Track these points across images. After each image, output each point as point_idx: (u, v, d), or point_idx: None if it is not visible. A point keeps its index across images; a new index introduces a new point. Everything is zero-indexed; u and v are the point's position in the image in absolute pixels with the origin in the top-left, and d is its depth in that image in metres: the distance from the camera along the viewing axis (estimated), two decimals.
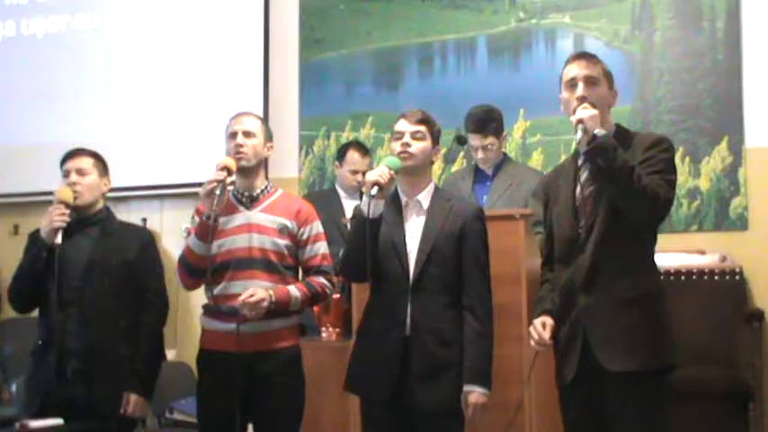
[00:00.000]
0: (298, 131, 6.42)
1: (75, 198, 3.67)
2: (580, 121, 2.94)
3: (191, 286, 3.62)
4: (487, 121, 4.45)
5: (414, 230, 3.28)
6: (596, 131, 2.92)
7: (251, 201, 3.56)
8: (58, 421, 3.39)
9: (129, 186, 6.30)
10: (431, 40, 6.22)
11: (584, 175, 3.10)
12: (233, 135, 3.56)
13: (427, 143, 3.31)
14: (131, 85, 6.64)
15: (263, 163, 3.64)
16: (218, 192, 3.32)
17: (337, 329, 4.40)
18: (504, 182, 4.50)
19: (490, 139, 4.46)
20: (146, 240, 3.89)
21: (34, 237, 3.70)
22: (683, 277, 5.22)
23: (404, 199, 3.34)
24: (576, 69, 3.09)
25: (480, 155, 4.51)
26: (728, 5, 5.54)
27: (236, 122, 3.60)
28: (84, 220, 3.73)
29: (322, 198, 5.08)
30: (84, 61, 6.75)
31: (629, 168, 2.89)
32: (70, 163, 3.77)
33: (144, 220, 6.40)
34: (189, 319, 6.02)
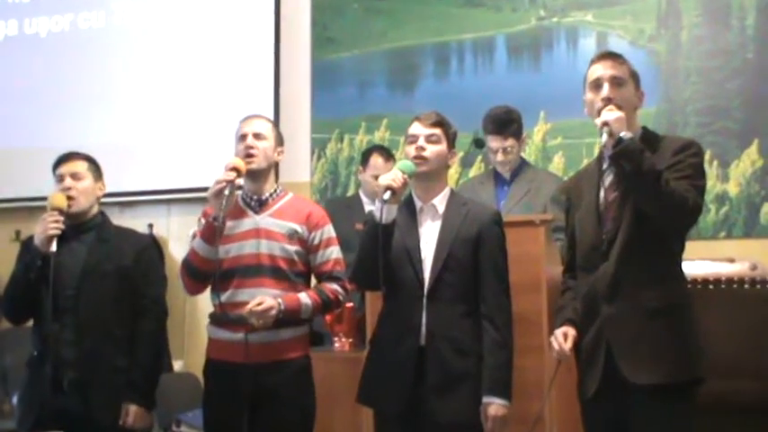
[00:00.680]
0: (309, 134, 6.40)
1: (69, 206, 3.62)
2: (605, 124, 2.89)
3: (194, 291, 3.56)
4: (508, 122, 4.40)
5: (428, 236, 3.25)
6: (622, 134, 2.87)
7: (259, 205, 3.51)
8: None
9: (135, 191, 6.42)
10: (447, 40, 6.17)
11: (608, 180, 3.06)
12: (243, 137, 3.52)
13: (442, 147, 3.28)
14: (137, 87, 6.64)
15: (274, 167, 3.59)
16: (226, 192, 3.28)
17: (350, 339, 4.37)
18: (521, 187, 4.46)
19: (510, 141, 4.42)
20: (143, 245, 3.84)
21: (27, 244, 3.66)
22: (711, 286, 5.09)
23: (418, 204, 3.32)
24: (602, 69, 3.04)
25: (500, 157, 4.46)
26: (759, 1, 5.48)
27: (247, 124, 3.56)
28: (78, 225, 3.68)
29: (345, 204, 5.12)
30: (88, 62, 6.75)
31: (657, 173, 2.83)
32: (64, 167, 3.72)
33: (150, 225, 6.44)
34: (196, 328, 6.03)
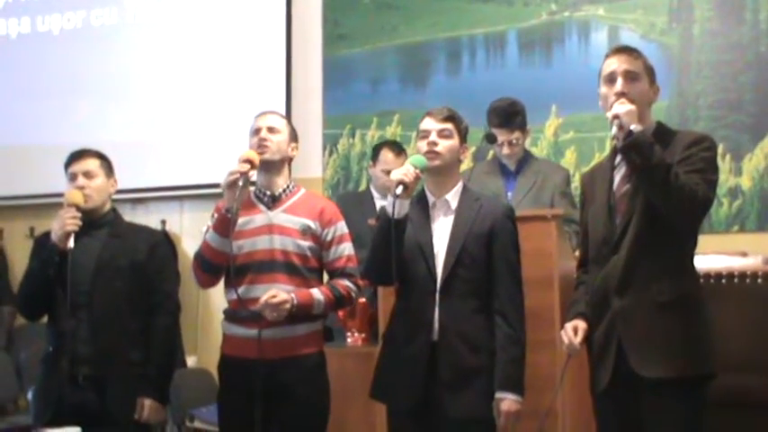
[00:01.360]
0: (321, 130, 6.38)
1: (85, 202, 3.63)
2: (616, 117, 2.89)
3: (206, 284, 3.56)
4: (513, 115, 4.41)
5: (441, 231, 3.24)
6: (632, 127, 2.86)
7: (272, 200, 3.49)
8: (75, 430, 3.30)
9: (147, 187, 6.40)
10: (459, 35, 6.15)
11: (620, 174, 3.05)
12: (257, 131, 3.51)
13: (454, 141, 3.27)
14: (149, 84, 6.63)
15: (287, 163, 3.58)
16: (240, 184, 3.27)
17: (363, 335, 4.35)
18: (528, 179, 4.45)
19: (516, 134, 4.42)
20: (156, 241, 3.85)
21: (42, 241, 3.67)
22: (723, 280, 5.06)
23: (431, 199, 3.31)
24: (616, 63, 3.02)
25: (506, 150, 4.46)
26: None
27: (261, 119, 3.56)
28: (91, 222, 3.67)
29: (355, 199, 5.10)
30: (100, 59, 6.74)
31: (666, 166, 2.82)
32: (76, 165, 3.72)
33: (163, 221, 6.45)
34: (210, 324, 6.03)
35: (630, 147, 2.85)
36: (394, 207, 3.08)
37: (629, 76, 2.99)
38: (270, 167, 3.48)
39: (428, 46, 6.20)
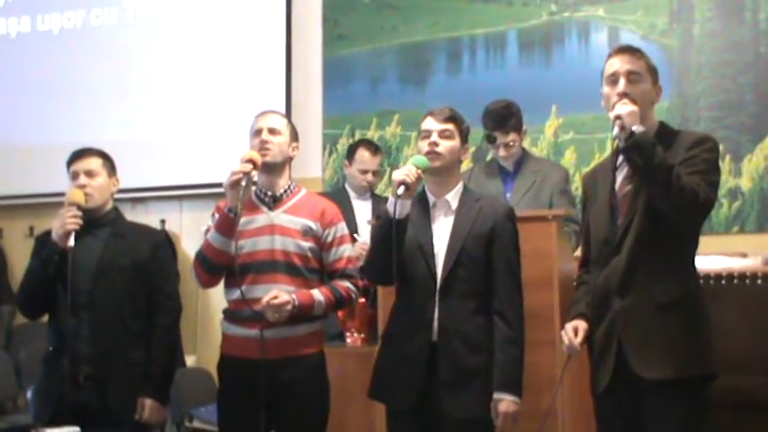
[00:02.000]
0: (321, 130, 6.38)
1: (86, 202, 3.61)
2: (618, 117, 2.89)
3: (207, 284, 3.56)
4: (507, 117, 4.39)
5: (441, 231, 3.24)
6: (634, 128, 2.86)
7: (274, 201, 3.50)
8: (74, 429, 3.30)
9: (147, 187, 6.38)
10: (459, 35, 6.14)
11: (622, 174, 3.05)
12: (258, 132, 3.51)
13: (455, 142, 3.27)
14: (149, 83, 6.62)
15: (288, 163, 3.58)
16: (242, 183, 3.27)
17: (362, 334, 4.35)
18: (527, 179, 4.44)
19: (512, 136, 4.41)
20: (158, 241, 3.84)
21: (43, 240, 3.65)
22: (723, 281, 5.05)
23: (431, 199, 3.31)
24: (618, 64, 3.02)
25: (502, 152, 4.45)
26: None
27: (262, 119, 3.55)
28: (93, 221, 3.65)
29: (331, 198, 5.01)
30: (100, 58, 6.73)
31: (668, 167, 2.82)
32: (78, 164, 3.70)
33: (163, 221, 6.43)
34: (209, 324, 6.03)
35: (632, 147, 2.86)
36: (395, 207, 3.08)
37: (632, 77, 2.98)
38: (271, 169, 3.48)
39: (428, 46, 6.20)
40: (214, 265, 3.42)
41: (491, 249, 3.19)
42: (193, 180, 6.39)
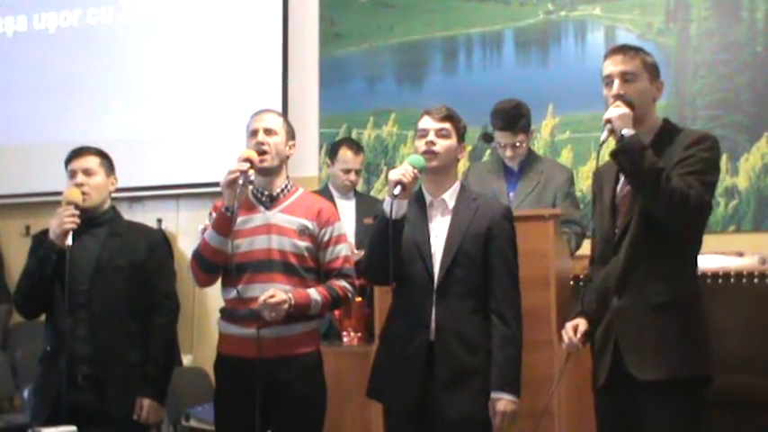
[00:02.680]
0: (317, 129, 6.38)
1: (84, 201, 3.60)
2: (608, 121, 2.88)
3: (204, 282, 3.54)
4: (517, 118, 4.34)
5: (439, 231, 3.23)
6: (624, 131, 2.85)
7: (270, 200, 3.49)
8: (71, 428, 3.28)
9: (144, 186, 6.37)
10: (456, 34, 6.14)
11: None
12: (254, 133, 3.49)
13: (452, 141, 3.25)
14: (146, 82, 6.62)
15: (285, 162, 3.56)
16: (240, 182, 3.26)
17: (359, 334, 4.34)
18: (531, 180, 4.42)
19: (520, 137, 4.37)
20: (155, 240, 3.84)
21: (40, 239, 3.64)
22: (719, 280, 5.06)
23: (428, 198, 3.30)
24: (611, 66, 3.01)
25: (509, 153, 4.42)
26: None
27: (258, 120, 3.53)
28: (90, 220, 3.65)
29: None
30: (97, 57, 6.73)
31: (657, 170, 2.82)
32: (76, 163, 3.69)
33: (159, 220, 6.44)
34: (206, 323, 6.03)
35: (620, 152, 2.85)
36: (392, 207, 3.08)
37: (626, 78, 2.97)
38: (268, 170, 3.47)
39: (425, 45, 6.20)
40: (211, 264, 3.41)
41: (488, 249, 3.18)
42: (190, 179, 6.39)
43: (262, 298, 3.27)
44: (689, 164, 2.88)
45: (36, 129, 6.72)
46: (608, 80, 3.00)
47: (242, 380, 3.35)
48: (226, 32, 6.46)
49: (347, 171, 5.05)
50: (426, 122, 3.26)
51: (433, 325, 3.14)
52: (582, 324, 3.06)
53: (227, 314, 3.47)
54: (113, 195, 3.81)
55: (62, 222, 3.47)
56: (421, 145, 3.23)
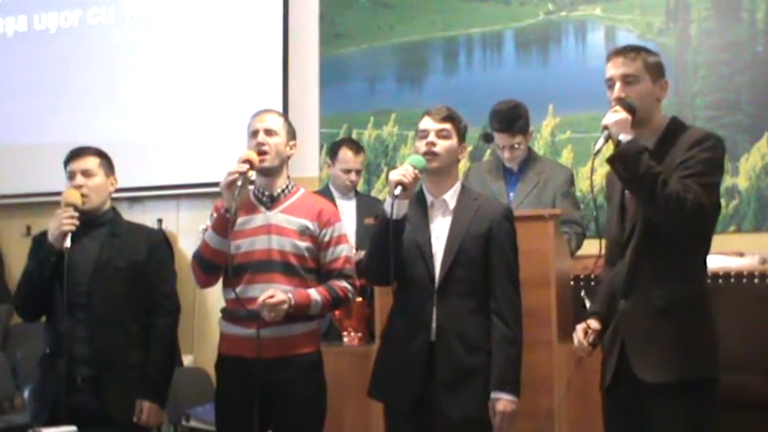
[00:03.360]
0: (318, 129, 6.37)
1: (83, 203, 3.58)
2: (605, 127, 2.88)
3: (205, 283, 3.53)
4: (515, 119, 4.34)
5: (439, 231, 3.23)
6: (621, 137, 2.85)
7: (271, 201, 3.48)
8: (72, 429, 3.28)
9: (144, 186, 6.36)
10: (456, 34, 6.14)
11: None
12: (254, 133, 3.48)
13: (453, 141, 3.25)
14: (146, 82, 6.62)
15: (286, 162, 3.56)
16: (239, 184, 3.25)
17: (359, 334, 4.33)
18: (530, 180, 4.42)
19: (518, 138, 4.37)
20: (155, 241, 3.81)
21: (40, 240, 3.62)
22: (720, 280, 5.06)
23: (429, 199, 3.29)
24: (612, 69, 3.00)
25: (507, 154, 4.42)
26: None
27: (258, 120, 3.51)
28: (90, 221, 3.63)
29: None
30: (97, 57, 6.73)
31: (653, 175, 2.81)
32: (75, 164, 3.66)
33: (160, 220, 6.44)
34: (206, 323, 6.02)
35: (615, 158, 2.85)
36: (393, 207, 3.07)
37: (627, 80, 2.95)
38: (269, 171, 3.47)
39: (425, 45, 6.20)
40: (211, 265, 3.41)
41: (489, 249, 3.18)
42: (191, 179, 6.38)
43: (261, 298, 3.26)
44: (689, 166, 2.86)
45: (37, 129, 6.71)
46: (610, 83, 2.99)
47: (242, 380, 3.35)
48: (226, 32, 6.45)
49: (348, 171, 5.05)
50: (427, 123, 3.25)
51: (434, 325, 3.14)
52: (593, 324, 3.06)
53: (227, 314, 3.47)
54: (114, 195, 3.79)
55: (60, 224, 3.45)
56: (421, 146, 3.22)
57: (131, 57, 6.66)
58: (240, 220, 3.37)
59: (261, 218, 3.44)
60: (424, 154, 3.19)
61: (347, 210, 4.91)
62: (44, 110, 6.71)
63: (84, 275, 3.55)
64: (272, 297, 3.27)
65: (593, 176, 3.07)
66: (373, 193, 5.96)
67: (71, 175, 3.64)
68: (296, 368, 3.39)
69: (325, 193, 5.04)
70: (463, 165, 4.44)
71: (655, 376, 2.86)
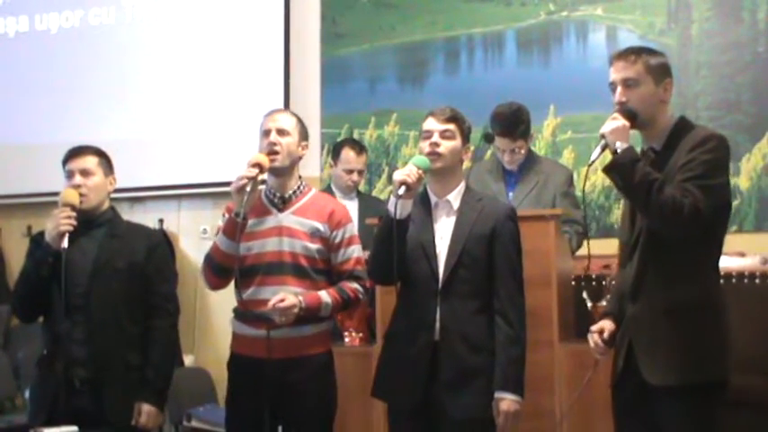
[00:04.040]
0: (319, 129, 6.35)
1: (81, 202, 3.54)
2: (602, 136, 2.89)
3: (216, 286, 3.54)
4: (517, 124, 4.34)
5: (443, 232, 3.24)
6: (617, 145, 2.85)
7: (282, 202, 3.47)
8: (73, 429, 3.29)
9: (145, 186, 6.35)
10: (457, 34, 6.14)
11: None
12: (266, 133, 3.46)
13: (457, 142, 3.25)
14: (147, 83, 6.61)
15: (297, 163, 3.55)
16: (248, 189, 3.24)
17: (360, 334, 4.33)
18: (530, 180, 4.43)
19: (519, 143, 4.38)
20: (155, 242, 3.77)
21: (38, 240, 3.58)
22: (721, 281, 5.03)
23: (433, 199, 3.30)
24: (614, 73, 2.99)
25: (507, 157, 4.43)
26: None
27: (271, 120, 3.51)
28: (89, 221, 3.60)
29: None
30: (98, 58, 6.72)
31: (648, 183, 2.80)
32: (73, 163, 3.63)
33: (161, 220, 6.42)
34: (207, 324, 6.02)
35: (611, 168, 2.86)
36: (396, 207, 3.08)
37: (628, 83, 2.94)
38: (280, 170, 3.45)
39: (426, 45, 6.19)
40: (222, 268, 3.41)
41: (492, 249, 3.18)
42: (192, 179, 6.37)
43: (272, 302, 3.26)
44: (689, 168, 2.85)
45: (38, 129, 6.69)
46: (612, 87, 2.99)
47: (253, 380, 3.35)
48: (227, 32, 6.44)
49: (350, 171, 5.05)
50: (431, 124, 3.26)
51: (437, 325, 3.15)
52: (608, 325, 3.05)
53: (239, 314, 3.47)
54: (114, 195, 3.77)
55: (58, 224, 3.42)
56: (425, 146, 3.22)
57: (132, 57, 6.65)
58: (251, 221, 3.37)
59: (272, 220, 3.44)
60: (428, 154, 3.19)
61: (349, 210, 4.91)
62: (45, 110, 6.70)
63: (83, 276, 3.52)
64: (282, 301, 3.27)
65: (585, 185, 3.14)
66: (374, 194, 5.96)
67: (69, 175, 3.61)
68: (307, 368, 3.39)
69: (326, 192, 5.06)
70: (466, 165, 4.45)
71: (662, 379, 2.86)
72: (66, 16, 6.88)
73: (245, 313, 3.41)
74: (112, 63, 6.66)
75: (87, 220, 3.58)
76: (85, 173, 3.60)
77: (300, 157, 3.54)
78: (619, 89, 2.96)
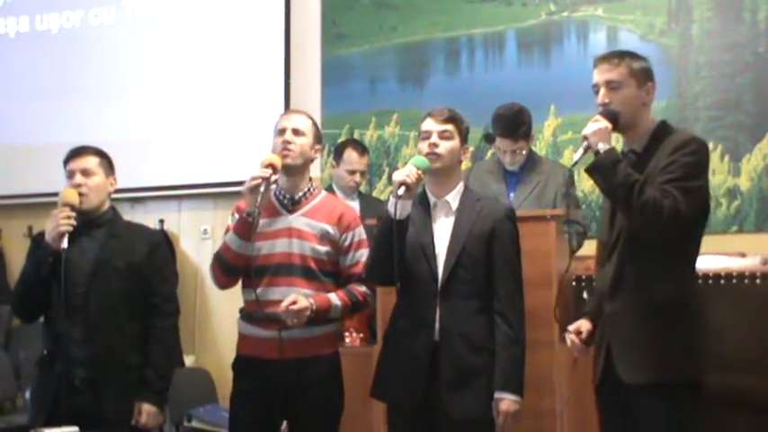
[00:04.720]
0: (320, 130, 6.26)
1: (81, 202, 3.54)
2: (585, 138, 2.91)
3: (225, 285, 3.54)
4: (518, 125, 4.34)
5: (442, 232, 3.25)
6: (599, 146, 2.87)
7: (293, 204, 3.48)
8: (73, 429, 3.28)
9: (146, 187, 6.35)
10: (458, 35, 6.13)
11: None
12: (281, 131, 3.48)
13: (455, 142, 3.27)
14: (147, 83, 6.62)
15: (309, 164, 3.56)
16: (261, 189, 3.26)
17: (361, 334, 4.35)
18: (531, 180, 4.43)
19: (520, 144, 4.38)
20: (155, 242, 3.77)
21: (38, 241, 3.58)
22: (722, 281, 5.03)
23: (432, 199, 3.31)
24: (597, 75, 3.02)
25: (508, 158, 4.43)
26: None
27: (286, 119, 3.54)
28: (89, 221, 3.60)
29: None
30: (99, 58, 6.73)
31: (629, 184, 2.83)
32: (74, 163, 3.63)
33: (161, 221, 6.42)
34: (207, 324, 6.02)
35: (593, 169, 2.88)
36: (396, 208, 3.08)
37: (611, 86, 2.96)
38: (291, 170, 3.46)
39: (427, 45, 6.19)
40: (232, 267, 3.41)
41: (492, 249, 3.20)
42: (192, 180, 6.37)
43: (284, 304, 3.27)
44: (670, 171, 2.87)
45: (38, 129, 6.70)
46: (595, 89, 3.01)
47: (261, 381, 3.36)
48: (228, 33, 6.45)
49: (352, 172, 5.06)
50: (429, 124, 3.27)
51: (437, 325, 3.16)
52: (585, 325, 3.08)
53: (246, 315, 3.47)
54: (115, 196, 3.76)
55: (58, 224, 3.42)
56: (424, 147, 3.24)
57: (133, 57, 6.66)
58: (262, 221, 3.38)
59: (282, 221, 3.44)
60: (427, 155, 3.21)
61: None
62: (45, 110, 6.71)
63: (83, 276, 3.51)
64: (294, 303, 3.27)
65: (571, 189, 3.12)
66: (375, 194, 5.96)
67: (70, 174, 3.61)
68: (319, 368, 3.41)
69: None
70: (464, 165, 4.44)
71: (638, 378, 2.88)
72: (67, 16, 6.89)
73: (252, 314, 3.41)
74: (113, 63, 6.67)
75: (88, 221, 3.58)
76: (86, 173, 3.60)
77: (312, 160, 3.55)
78: (602, 91, 2.97)
